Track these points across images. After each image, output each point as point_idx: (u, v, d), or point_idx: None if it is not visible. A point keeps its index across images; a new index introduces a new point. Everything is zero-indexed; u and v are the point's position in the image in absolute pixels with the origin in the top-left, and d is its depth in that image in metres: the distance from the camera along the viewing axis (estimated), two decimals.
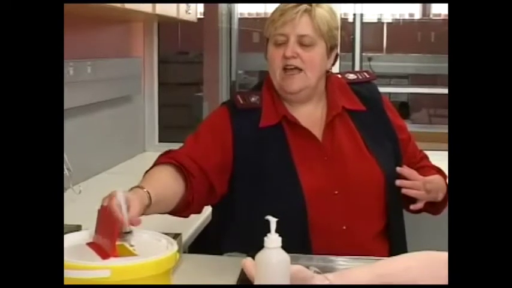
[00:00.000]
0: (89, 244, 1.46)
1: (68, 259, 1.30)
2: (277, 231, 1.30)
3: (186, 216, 1.93)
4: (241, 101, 1.98)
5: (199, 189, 1.86)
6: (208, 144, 1.94)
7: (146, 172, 1.84)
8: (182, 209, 1.86)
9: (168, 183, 1.80)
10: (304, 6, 1.92)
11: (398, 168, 1.93)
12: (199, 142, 1.95)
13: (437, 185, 1.97)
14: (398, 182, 1.91)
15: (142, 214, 1.62)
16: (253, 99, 1.99)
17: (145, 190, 1.65)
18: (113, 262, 1.35)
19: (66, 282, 1.26)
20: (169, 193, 1.80)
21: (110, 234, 1.42)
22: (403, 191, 1.91)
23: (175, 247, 1.44)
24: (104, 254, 1.39)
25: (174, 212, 1.86)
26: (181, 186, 1.83)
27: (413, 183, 1.92)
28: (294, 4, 1.94)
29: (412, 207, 1.95)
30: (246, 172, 1.92)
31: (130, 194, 1.55)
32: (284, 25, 1.92)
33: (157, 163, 1.88)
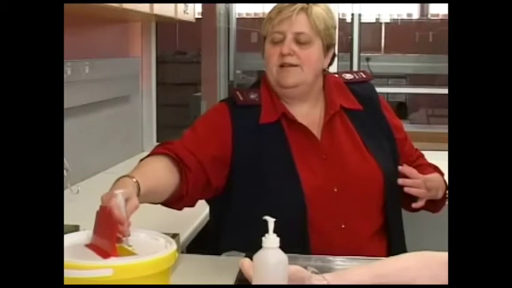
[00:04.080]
0: (87, 246, 1.46)
1: (70, 259, 1.31)
2: (275, 229, 1.30)
3: (180, 209, 1.92)
4: (240, 97, 1.98)
5: (195, 183, 1.85)
6: (206, 137, 1.93)
7: (141, 161, 1.83)
8: (175, 201, 1.85)
9: (162, 175, 1.79)
10: (301, 4, 1.93)
11: (399, 167, 1.93)
12: (197, 135, 1.94)
13: (437, 183, 1.98)
14: (400, 181, 1.92)
15: None
16: (252, 96, 1.99)
17: (134, 180, 1.62)
18: (115, 261, 1.35)
19: (68, 282, 1.27)
20: (162, 185, 1.78)
21: (110, 235, 1.42)
22: (405, 189, 1.92)
23: (175, 245, 1.44)
24: (104, 253, 1.39)
25: (167, 204, 1.85)
26: (176, 179, 1.82)
27: (414, 182, 1.92)
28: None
29: (414, 205, 1.96)
30: (244, 169, 1.92)
31: (128, 193, 1.54)
32: (281, 23, 1.93)
33: (153, 153, 1.87)
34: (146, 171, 1.74)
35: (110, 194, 1.50)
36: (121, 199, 1.48)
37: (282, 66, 1.93)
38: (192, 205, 1.95)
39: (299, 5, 1.93)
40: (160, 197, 1.80)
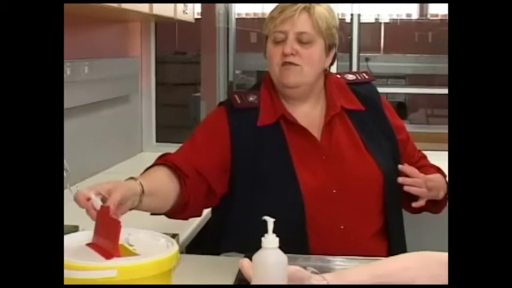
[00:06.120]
0: (88, 245, 1.46)
1: (73, 260, 1.31)
2: (275, 230, 1.30)
3: (186, 218, 1.94)
4: (238, 101, 1.98)
5: (196, 190, 1.86)
6: (205, 145, 1.94)
7: (140, 175, 1.84)
8: (180, 210, 1.86)
9: (163, 180, 1.81)
10: (304, 4, 1.93)
11: (400, 166, 1.93)
12: (196, 144, 1.95)
13: (438, 183, 1.97)
14: (400, 180, 1.92)
15: (137, 207, 1.65)
16: (251, 98, 1.99)
17: (137, 181, 1.66)
18: (119, 262, 1.35)
19: (72, 283, 1.28)
20: (164, 189, 1.80)
21: (112, 235, 1.42)
22: (405, 188, 1.92)
23: (177, 245, 1.44)
24: (107, 254, 1.39)
25: (172, 213, 1.86)
26: (176, 186, 1.83)
27: (415, 181, 1.92)
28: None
29: (414, 204, 1.95)
30: (244, 171, 1.92)
31: (110, 186, 1.55)
32: (283, 22, 1.93)
33: (151, 165, 1.88)
34: (148, 176, 1.78)
35: (81, 194, 1.51)
36: (94, 199, 1.50)
37: (283, 64, 1.93)
38: (199, 214, 1.97)
39: (301, 5, 1.93)
40: (164, 203, 1.81)
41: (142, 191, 1.65)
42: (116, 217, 1.50)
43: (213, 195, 1.92)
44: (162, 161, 1.88)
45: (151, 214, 1.84)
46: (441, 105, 5.94)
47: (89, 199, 1.50)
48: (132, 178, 1.69)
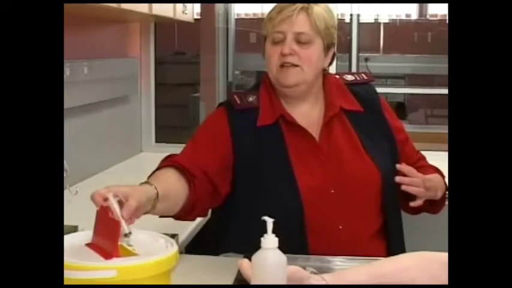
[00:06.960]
0: (88, 245, 1.46)
1: (73, 260, 1.31)
2: (273, 230, 1.30)
3: (193, 219, 1.94)
4: (238, 101, 1.99)
5: (203, 190, 1.86)
6: (208, 146, 1.94)
7: (149, 177, 1.83)
8: (188, 211, 1.85)
9: (174, 183, 1.80)
10: (302, 4, 1.94)
11: (397, 165, 1.93)
12: (198, 145, 1.95)
13: (436, 183, 1.97)
14: (398, 179, 1.91)
15: (150, 211, 1.63)
16: (250, 99, 1.99)
17: (153, 186, 1.65)
18: (118, 262, 1.35)
19: (71, 283, 1.28)
20: (175, 191, 1.79)
21: (112, 235, 1.42)
22: (403, 187, 1.91)
23: (176, 246, 1.44)
24: (106, 254, 1.39)
25: (180, 215, 1.85)
26: (185, 187, 1.82)
27: (413, 180, 1.92)
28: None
29: (412, 203, 1.95)
30: (244, 172, 1.92)
31: (127, 190, 1.52)
32: (281, 22, 1.93)
33: (158, 167, 1.87)
34: (160, 179, 1.76)
35: (101, 194, 1.49)
36: (113, 200, 1.47)
37: (282, 66, 1.93)
38: (205, 215, 1.97)
39: (299, 5, 1.93)
40: (174, 205, 1.80)
41: (157, 196, 1.64)
42: (131, 222, 1.49)
43: (218, 196, 1.92)
44: (169, 162, 1.87)
45: (160, 217, 1.83)
46: (440, 106, 5.95)
47: (105, 199, 1.48)
48: (147, 182, 1.68)
